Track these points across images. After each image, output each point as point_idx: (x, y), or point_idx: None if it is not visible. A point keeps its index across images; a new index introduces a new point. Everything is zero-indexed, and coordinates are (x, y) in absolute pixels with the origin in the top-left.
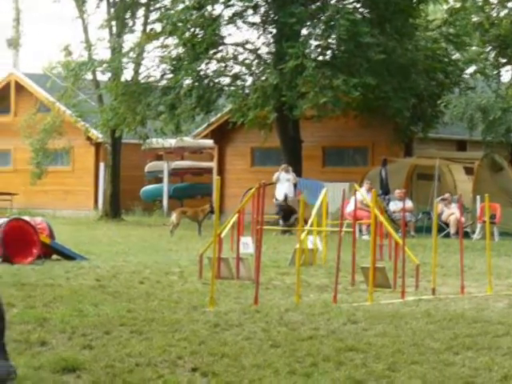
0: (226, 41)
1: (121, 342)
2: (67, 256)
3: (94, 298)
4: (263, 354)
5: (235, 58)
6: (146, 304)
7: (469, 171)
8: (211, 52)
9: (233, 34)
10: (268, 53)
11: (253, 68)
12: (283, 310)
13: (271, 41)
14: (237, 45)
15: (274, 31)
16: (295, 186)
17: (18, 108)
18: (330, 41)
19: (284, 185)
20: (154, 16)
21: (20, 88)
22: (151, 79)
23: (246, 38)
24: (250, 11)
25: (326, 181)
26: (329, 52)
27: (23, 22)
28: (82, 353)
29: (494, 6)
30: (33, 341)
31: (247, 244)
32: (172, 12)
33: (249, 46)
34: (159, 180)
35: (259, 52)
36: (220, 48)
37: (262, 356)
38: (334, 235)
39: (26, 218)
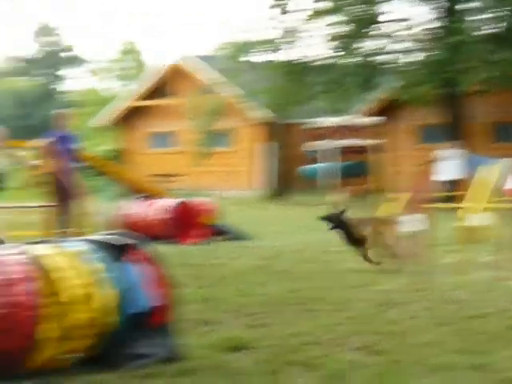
0: (393, 17)
1: (286, 321)
2: (232, 236)
3: (259, 278)
4: (430, 332)
5: (397, 35)
6: (310, 283)
7: None
8: (377, 29)
9: (395, 11)
10: (433, 28)
11: (419, 44)
12: (448, 288)
13: (438, 16)
14: (402, 21)
15: (443, 5)
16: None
17: (184, 90)
18: (498, 14)
19: (451, 163)
20: None
21: (186, 70)
22: (316, 58)
23: (412, 13)
24: None
25: (498, 157)
26: (498, 25)
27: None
28: (248, 332)
29: None
30: (200, 320)
31: (412, 222)
32: None
33: (415, 22)
34: (322, 159)
35: (424, 28)
36: (386, 24)
37: (429, 334)
38: (504, 212)
39: (193, 199)
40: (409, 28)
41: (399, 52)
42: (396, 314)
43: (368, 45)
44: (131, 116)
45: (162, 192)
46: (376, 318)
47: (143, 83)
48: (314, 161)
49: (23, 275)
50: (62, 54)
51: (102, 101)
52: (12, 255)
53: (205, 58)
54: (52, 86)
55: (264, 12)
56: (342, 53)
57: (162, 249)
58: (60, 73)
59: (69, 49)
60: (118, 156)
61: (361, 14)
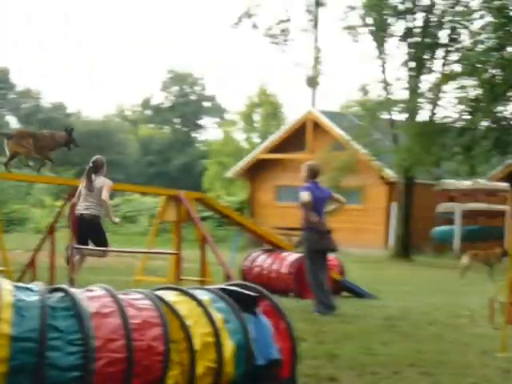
0: None
1: (410, 383)
2: (357, 293)
3: (384, 337)
4: None
5: None
6: (436, 346)
7: None
8: (510, 93)
9: None
10: None
11: None
12: None
13: None
14: None
15: None
16: None
17: (314, 145)
18: None
19: None
20: (452, 57)
21: (316, 126)
22: (447, 120)
23: None
24: None
25: None
26: None
27: (322, 61)
28: None
29: None
30: (322, 376)
31: None
32: (471, 53)
33: None
34: (451, 221)
35: None
36: None
37: None
38: None
39: None
40: None
41: None
42: None
43: (504, 109)
44: (260, 168)
45: (287, 246)
46: None
47: (275, 135)
48: (447, 222)
49: (154, 320)
50: (205, 103)
51: (238, 151)
52: (143, 300)
53: (336, 115)
54: (192, 135)
55: (392, 72)
56: (468, 116)
57: (285, 303)
58: (201, 122)
59: (210, 98)
60: (245, 207)
61: (496, 77)
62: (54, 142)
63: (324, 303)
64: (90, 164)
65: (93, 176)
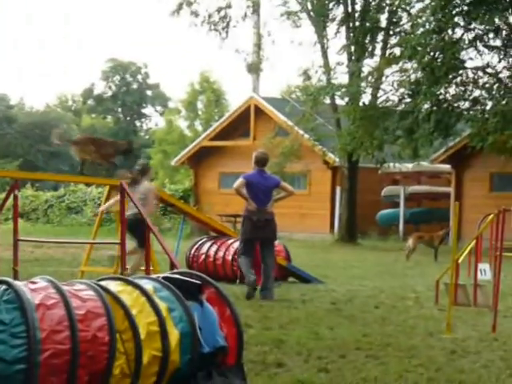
0: (466, 65)
1: (356, 366)
2: (303, 279)
3: (330, 321)
4: (502, 382)
5: (475, 82)
6: (382, 329)
7: None
8: (451, 76)
9: (473, 58)
10: (509, 77)
11: (493, 92)
12: None
13: None
14: (477, 69)
15: None
16: None
17: (257, 132)
18: None
19: None
20: (393, 40)
21: (259, 112)
22: (389, 103)
23: (486, 61)
24: (491, 35)
25: None
26: None
27: (264, 47)
28: (318, 375)
29: None
30: (269, 362)
31: (485, 270)
32: (412, 36)
33: (489, 70)
34: (396, 204)
35: (500, 76)
36: (460, 72)
37: None
38: None
39: None
40: (488, 76)
41: (476, 100)
42: (467, 363)
43: (445, 91)
44: (204, 155)
45: (232, 233)
46: (447, 367)
47: (218, 122)
48: (393, 206)
49: (99, 311)
50: (148, 92)
51: (182, 139)
52: (87, 291)
53: (279, 101)
54: (136, 124)
55: (333, 57)
56: (410, 99)
57: (231, 289)
58: (145, 110)
59: (153, 86)
60: (189, 195)
61: (437, 60)
62: (115, 148)
63: (249, 282)
64: (137, 167)
65: (139, 178)
